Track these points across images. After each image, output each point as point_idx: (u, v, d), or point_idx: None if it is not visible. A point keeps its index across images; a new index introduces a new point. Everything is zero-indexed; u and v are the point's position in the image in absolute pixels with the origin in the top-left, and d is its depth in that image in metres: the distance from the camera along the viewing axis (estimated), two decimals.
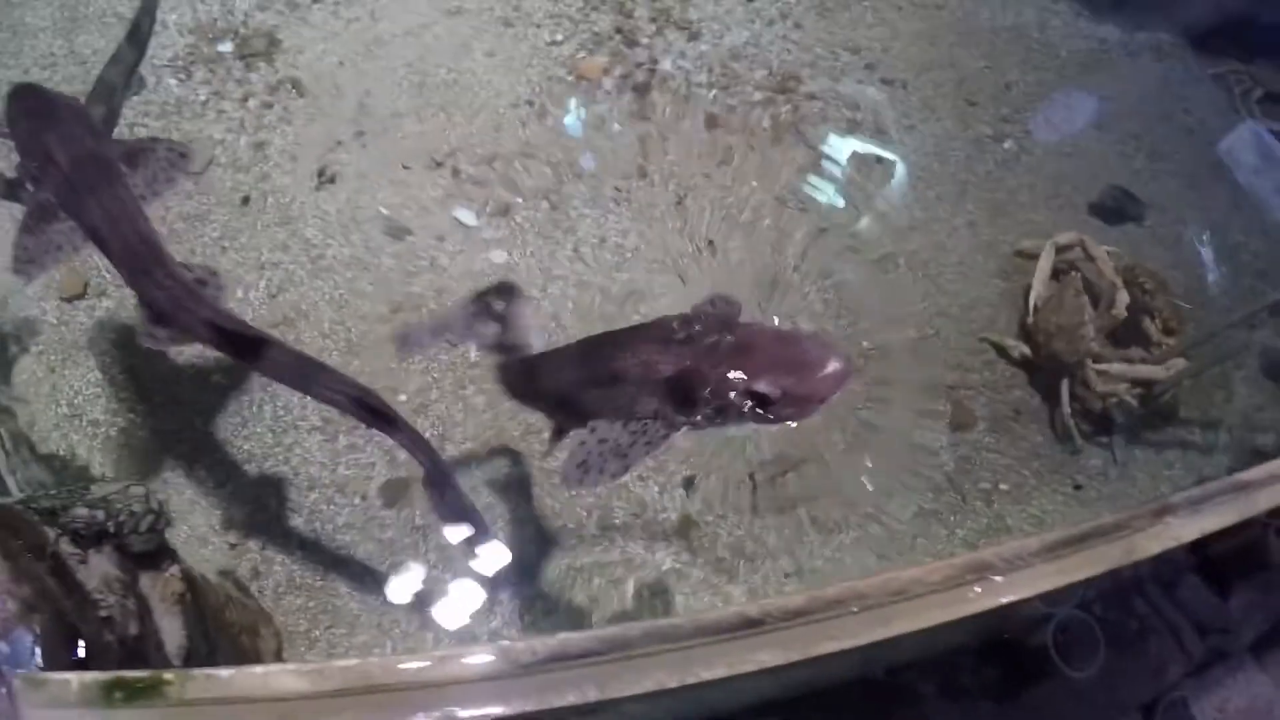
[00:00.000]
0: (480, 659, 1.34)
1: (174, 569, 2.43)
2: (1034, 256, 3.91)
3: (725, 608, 1.44)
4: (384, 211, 3.62)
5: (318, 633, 2.96)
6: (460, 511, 2.42)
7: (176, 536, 2.97)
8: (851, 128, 4.17)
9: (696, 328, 2.10)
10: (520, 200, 3.73)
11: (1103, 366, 3.62)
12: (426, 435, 2.52)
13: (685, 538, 3.22)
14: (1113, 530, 1.93)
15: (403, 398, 3.28)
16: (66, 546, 2.04)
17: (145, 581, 2.36)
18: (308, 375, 2.41)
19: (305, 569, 3.04)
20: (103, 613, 1.98)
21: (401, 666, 1.31)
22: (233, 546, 3.04)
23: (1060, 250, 3.86)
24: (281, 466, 3.16)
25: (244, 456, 3.17)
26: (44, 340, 3.27)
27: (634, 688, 1.35)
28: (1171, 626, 3.18)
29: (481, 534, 2.48)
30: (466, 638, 2.98)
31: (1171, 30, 4.84)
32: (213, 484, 3.12)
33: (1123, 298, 3.67)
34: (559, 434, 2.59)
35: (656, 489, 3.28)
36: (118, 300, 3.33)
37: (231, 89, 3.83)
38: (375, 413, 2.37)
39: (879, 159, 4.12)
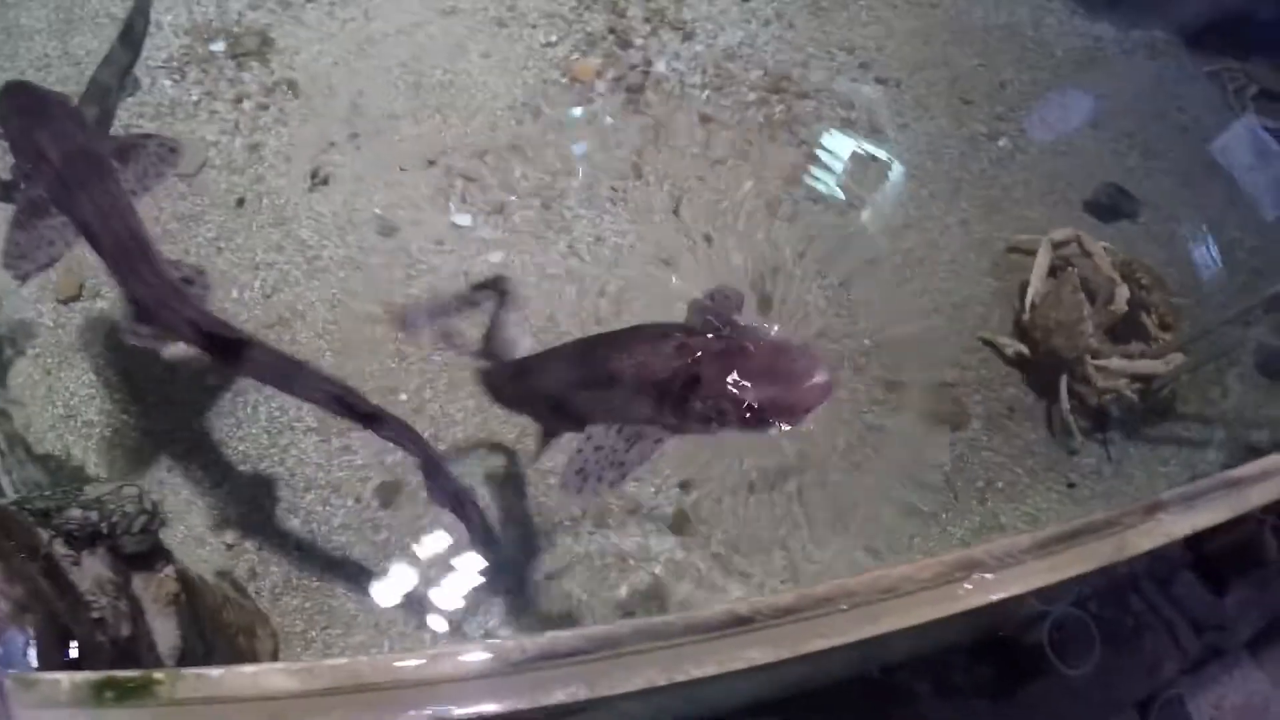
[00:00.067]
0: (469, 657, 1.34)
1: (168, 570, 2.43)
2: (1027, 252, 3.91)
3: (715, 606, 1.44)
4: (378, 212, 3.62)
5: (314, 633, 2.96)
6: (455, 497, 2.43)
7: (173, 537, 2.98)
8: (846, 127, 4.17)
9: (691, 332, 2.11)
10: (515, 199, 3.73)
11: (1103, 362, 3.61)
12: (424, 435, 2.52)
13: (681, 534, 3.22)
14: (1104, 527, 1.93)
15: (404, 397, 3.29)
16: (59, 548, 2.04)
17: (139, 582, 2.36)
18: (288, 375, 2.42)
19: (302, 570, 3.04)
20: (95, 614, 1.99)
21: (391, 665, 1.32)
22: (230, 547, 3.05)
23: (1056, 247, 3.86)
24: (277, 467, 3.17)
25: (240, 458, 3.17)
26: (40, 343, 3.28)
27: (624, 686, 1.35)
28: (1167, 624, 3.18)
29: (476, 520, 2.48)
30: (462, 637, 2.98)
31: (1166, 28, 4.85)
32: (209, 485, 3.12)
33: (1122, 293, 3.67)
34: (548, 437, 2.59)
35: (653, 490, 3.28)
36: (113, 302, 3.34)
37: (225, 90, 3.83)
38: (359, 410, 2.39)
39: (873, 158, 4.12)
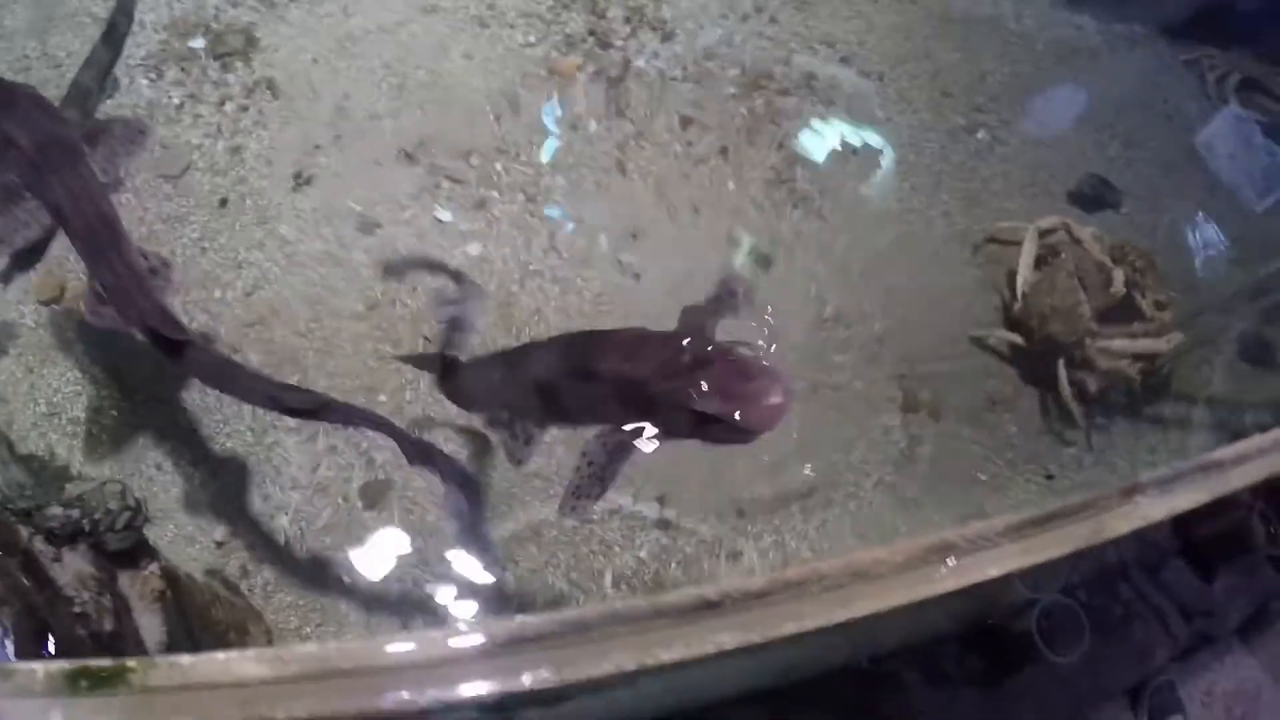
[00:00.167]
0: (438, 643, 1.35)
1: (153, 567, 2.45)
2: (1007, 242, 3.92)
3: (684, 589, 1.45)
4: (357, 209, 3.62)
5: (309, 630, 2.97)
6: (425, 453, 2.44)
7: (163, 535, 2.99)
8: (827, 121, 4.18)
9: (667, 340, 2.15)
10: (496, 195, 3.73)
11: (1106, 343, 3.62)
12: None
13: (664, 529, 3.24)
14: (1081, 510, 1.93)
15: (383, 398, 3.29)
16: (39, 544, 2.05)
17: (125, 580, 2.38)
18: (229, 376, 2.47)
19: (293, 567, 3.05)
20: (76, 609, 2.00)
21: (360, 650, 1.32)
22: (220, 545, 3.05)
23: (1043, 235, 3.87)
24: (264, 465, 3.17)
25: (227, 455, 3.17)
26: (22, 343, 3.27)
27: (592, 670, 1.35)
28: (1156, 611, 3.20)
29: (450, 471, 2.49)
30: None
31: (1147, 18, 4.86)
32: (197, 482, 3.12)
33: (1119, 275, 3.68)
34: (521, 440, 2.57)
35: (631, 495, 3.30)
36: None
37: (208, 92, 3.80)
38: (303, 408, 2.42)
39: (855, 151, 4.13)
